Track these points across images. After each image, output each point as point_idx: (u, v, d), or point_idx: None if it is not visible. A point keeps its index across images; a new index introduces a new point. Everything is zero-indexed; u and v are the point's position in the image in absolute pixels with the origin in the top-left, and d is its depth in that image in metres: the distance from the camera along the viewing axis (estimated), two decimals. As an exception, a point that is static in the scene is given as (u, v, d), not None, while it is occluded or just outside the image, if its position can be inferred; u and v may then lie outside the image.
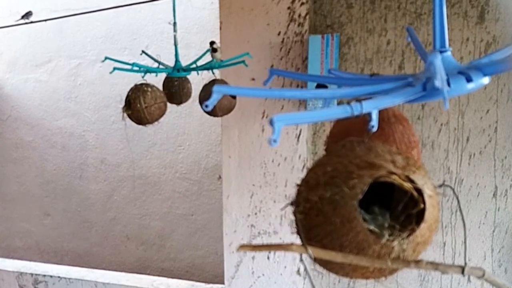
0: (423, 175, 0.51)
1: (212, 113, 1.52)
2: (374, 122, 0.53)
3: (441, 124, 1.69)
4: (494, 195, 1.69)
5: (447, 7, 1.60)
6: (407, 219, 0.52)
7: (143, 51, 1.60)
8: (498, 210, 1.69)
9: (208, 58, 1.58)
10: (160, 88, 1.51)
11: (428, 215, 0.50)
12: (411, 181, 0.50)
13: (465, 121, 1.67)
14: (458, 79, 0.52)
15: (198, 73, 1.56)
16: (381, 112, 0.58)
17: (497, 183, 1.68)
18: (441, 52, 0.56)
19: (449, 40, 1.67)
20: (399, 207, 0.53)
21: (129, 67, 1.45)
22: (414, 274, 1.82)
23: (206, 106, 0.54)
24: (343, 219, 0.50)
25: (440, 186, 0.58)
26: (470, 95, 1.64)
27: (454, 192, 1.75)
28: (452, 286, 1.78)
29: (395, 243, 0.50)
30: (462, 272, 0.50)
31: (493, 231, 1.71)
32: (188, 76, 1.58)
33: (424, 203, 0.50)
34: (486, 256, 1.73)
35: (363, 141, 0.56)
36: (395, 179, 0.50)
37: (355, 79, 0.71)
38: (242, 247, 0.55)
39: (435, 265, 0.51)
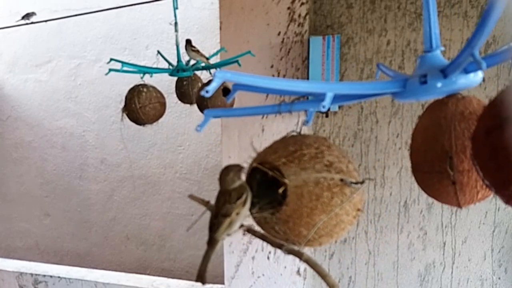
0: (302, 168, 0.64)
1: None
2: (308, 118, 0.67)
3: (441, 124, 1.69)
4: (494, 195, 1.69)
5: (447, 7, 1.60)
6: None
7: (158, 52, 1.60)
8: (498, 210, 1.69)
9: (213, 58, 1.58)
10: (160, 89, 1.52)
11: (291, 201, 0.64)
12: (279, 171, 0.65)
13: (465, 121, 1.67)
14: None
15: (192, 74, 1.57)
16: (444, 109, 0.59)
17: (497, 183, 1.68)
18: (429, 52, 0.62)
19: (449, 40, 1.67)
20: (269, 192, 0.68)
21: (132, 68, 1.46)
22: (414, 274, 1.82)
23: (207, 92, 0.54)
24: None
25: (361, 182, 0.66)
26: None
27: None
28: (452, 286, 1.79)
29: (265, 215, 0.68)
30: (281, 248, 0.64)
31: (493, 231, 1.71)
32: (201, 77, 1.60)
33: (285, 190, 0.64)
34: (486, 256, 1.73)
35: (297, 133, 0.69)
36: (260, 167, 0.66)
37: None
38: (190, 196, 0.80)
39: (262, 236, 0.69)
